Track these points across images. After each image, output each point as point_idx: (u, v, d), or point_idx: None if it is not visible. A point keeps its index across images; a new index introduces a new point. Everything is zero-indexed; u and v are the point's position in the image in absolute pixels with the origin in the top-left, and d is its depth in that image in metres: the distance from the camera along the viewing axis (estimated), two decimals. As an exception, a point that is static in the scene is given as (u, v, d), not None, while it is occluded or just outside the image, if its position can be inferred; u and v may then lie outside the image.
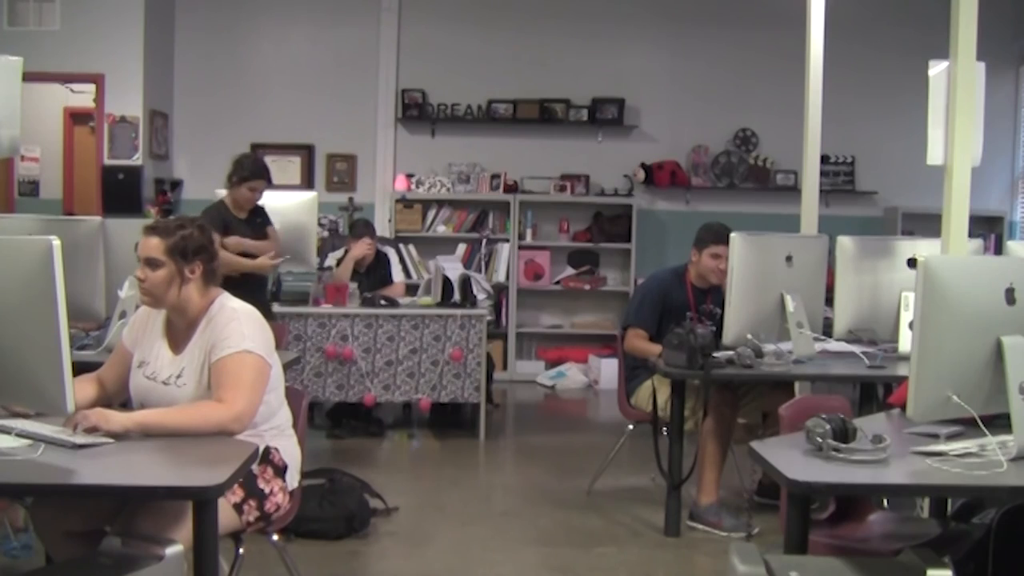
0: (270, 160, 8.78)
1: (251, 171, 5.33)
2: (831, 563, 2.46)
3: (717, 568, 4.14)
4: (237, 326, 2.93)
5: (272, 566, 3.67)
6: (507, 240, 8.48)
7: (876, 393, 4.55)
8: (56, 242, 2.45)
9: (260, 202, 5.47)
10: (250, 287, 4.95)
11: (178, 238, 2.95)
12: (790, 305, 4.32)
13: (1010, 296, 2.59)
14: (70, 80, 8.61)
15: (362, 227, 6.83)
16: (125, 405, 3.09)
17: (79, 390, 2.94)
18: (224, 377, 2.86)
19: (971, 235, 3.89)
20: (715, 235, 4.77)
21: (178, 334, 3.02)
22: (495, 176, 8.55)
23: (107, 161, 8.01)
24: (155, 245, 2.95)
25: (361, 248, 6.61)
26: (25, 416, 2.76)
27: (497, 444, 6.40)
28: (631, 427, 5.09)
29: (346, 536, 4.37)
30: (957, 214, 3.75)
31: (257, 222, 5.48)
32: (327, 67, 8.67)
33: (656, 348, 4.62)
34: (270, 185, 5.44)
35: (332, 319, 6.10)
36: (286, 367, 3.66)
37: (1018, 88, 8.78)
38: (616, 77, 8.67)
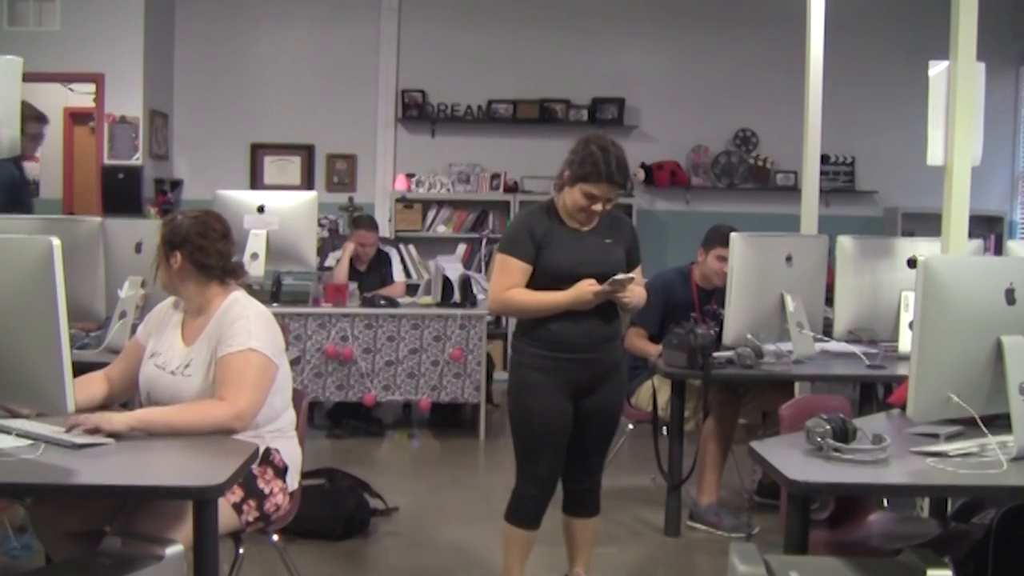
0: (270, 160, 8.91)
1: (580, 167, 3.36)
2: (831, 563, 2.46)
3: (717, 568, 4.14)
4: (244, 324, 2.93)
5: (272, 566, 3.68)
6: (507, 240, 8.46)
7: (876, 393, 4.56)
8: (56, 242, 2.44)
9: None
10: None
11: (168, 228, 3.02)
12: (790, 305, 4.32)
13: (1010, 296, 2.59)
14: (70, 80, 8.60)
15: (365, 221, 6.85)
16: (126, 406, 3.09)
17: (87, 388, 2.96)
18: (227, 375, 2.86)
19: (971, 235, 3.88)
20: (722, 238, 4.74)
21: (192, 326, 3.04)
22: (495, 176, 8.55)
23: (107, 161, 8.01)
24: (159, 233, 3.05)
25: (354, 243, 6.61)
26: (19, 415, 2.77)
27: (497, 444, 6.39)
28: (631, 427, 5.08)
29: (346, 536, 4.37)
30: (957, 214, 3.75)
31: (606, 243, 3.56)
32: (327, 67, 8.66)
33: (655, 348, 4.63)
34: (619, 194, 3.51)
35: (332, 319, 6.10)
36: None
37: (1018, 88, 8.77)
38: (616, 77, 8.66)
